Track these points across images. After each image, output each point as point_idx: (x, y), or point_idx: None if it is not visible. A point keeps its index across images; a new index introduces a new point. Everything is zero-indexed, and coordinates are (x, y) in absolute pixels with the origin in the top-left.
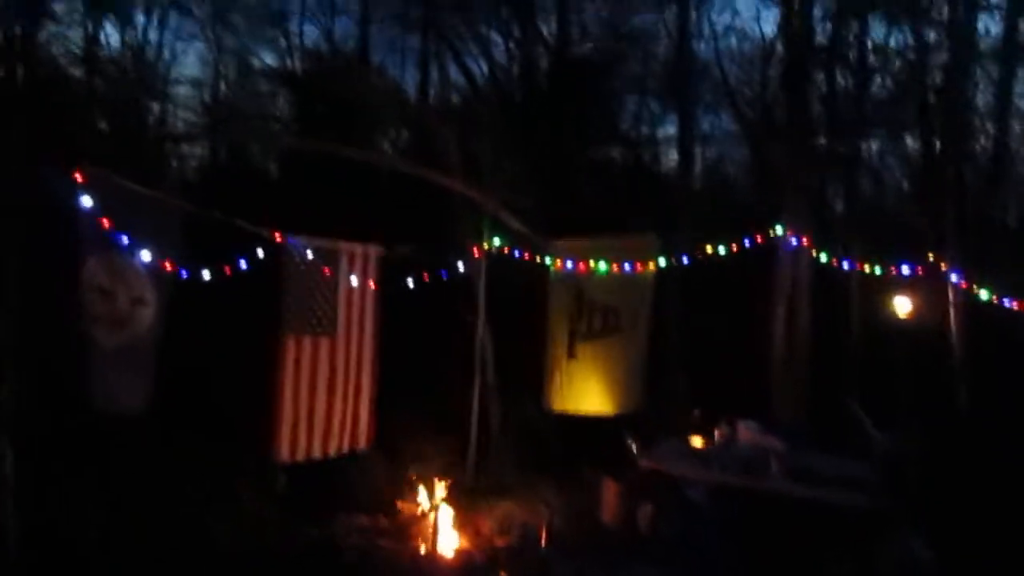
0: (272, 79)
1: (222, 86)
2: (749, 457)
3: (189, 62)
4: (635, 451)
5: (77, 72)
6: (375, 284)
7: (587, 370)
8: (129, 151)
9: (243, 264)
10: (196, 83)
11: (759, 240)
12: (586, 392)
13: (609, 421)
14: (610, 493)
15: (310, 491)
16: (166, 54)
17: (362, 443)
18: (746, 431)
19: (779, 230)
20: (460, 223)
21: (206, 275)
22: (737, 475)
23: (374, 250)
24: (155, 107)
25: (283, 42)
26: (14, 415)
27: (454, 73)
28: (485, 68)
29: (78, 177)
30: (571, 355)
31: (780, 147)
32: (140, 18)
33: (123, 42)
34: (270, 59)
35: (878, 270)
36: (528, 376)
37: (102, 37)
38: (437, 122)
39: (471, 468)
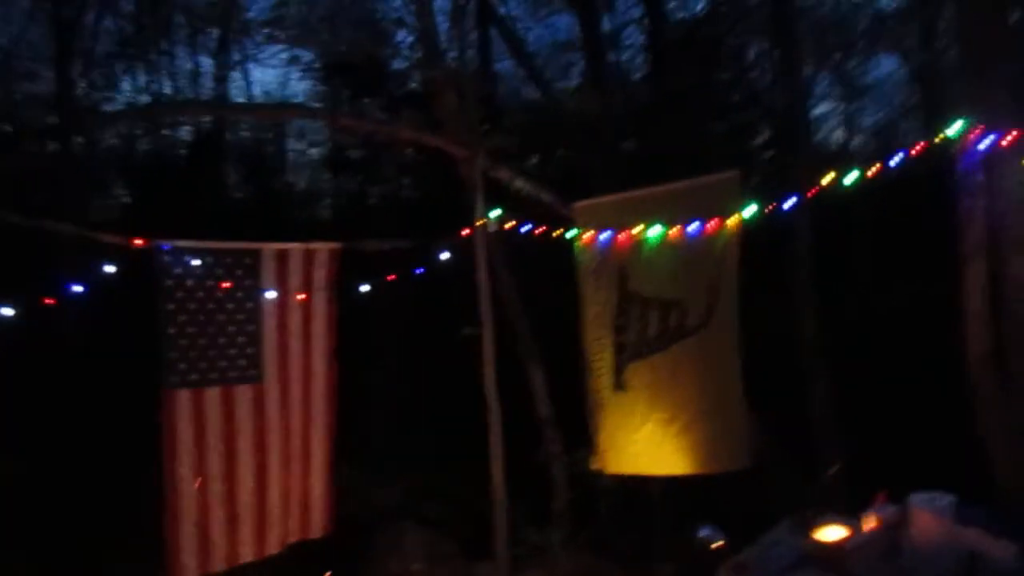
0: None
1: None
2: (937, 569)
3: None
4: (718, 557)
5: None
6: (328, 297)
7: (643, 406)
8: None
9: (77, 289)
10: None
11: (920, 149)
12: (648, 443)
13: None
14: None
15: None
16: None
17: (317, 529)
18: (926, 516)
19: (957, 128)
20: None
21: (8, 312)
22: None
23: (324, 250)
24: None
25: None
26: None
27: None
28: None
29: None
30: (618, 385)
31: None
32: None
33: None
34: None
35: None
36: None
37: None
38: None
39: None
